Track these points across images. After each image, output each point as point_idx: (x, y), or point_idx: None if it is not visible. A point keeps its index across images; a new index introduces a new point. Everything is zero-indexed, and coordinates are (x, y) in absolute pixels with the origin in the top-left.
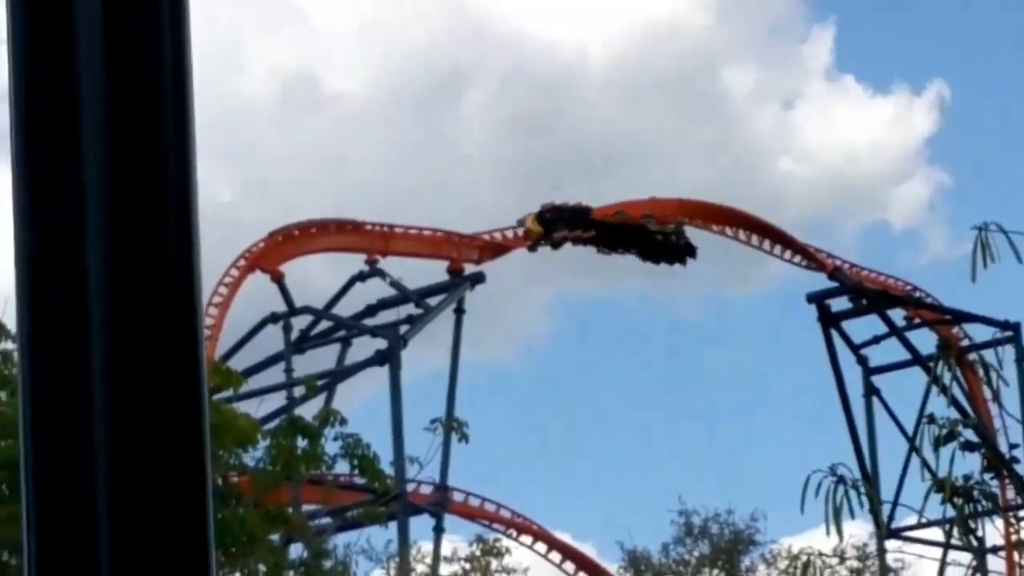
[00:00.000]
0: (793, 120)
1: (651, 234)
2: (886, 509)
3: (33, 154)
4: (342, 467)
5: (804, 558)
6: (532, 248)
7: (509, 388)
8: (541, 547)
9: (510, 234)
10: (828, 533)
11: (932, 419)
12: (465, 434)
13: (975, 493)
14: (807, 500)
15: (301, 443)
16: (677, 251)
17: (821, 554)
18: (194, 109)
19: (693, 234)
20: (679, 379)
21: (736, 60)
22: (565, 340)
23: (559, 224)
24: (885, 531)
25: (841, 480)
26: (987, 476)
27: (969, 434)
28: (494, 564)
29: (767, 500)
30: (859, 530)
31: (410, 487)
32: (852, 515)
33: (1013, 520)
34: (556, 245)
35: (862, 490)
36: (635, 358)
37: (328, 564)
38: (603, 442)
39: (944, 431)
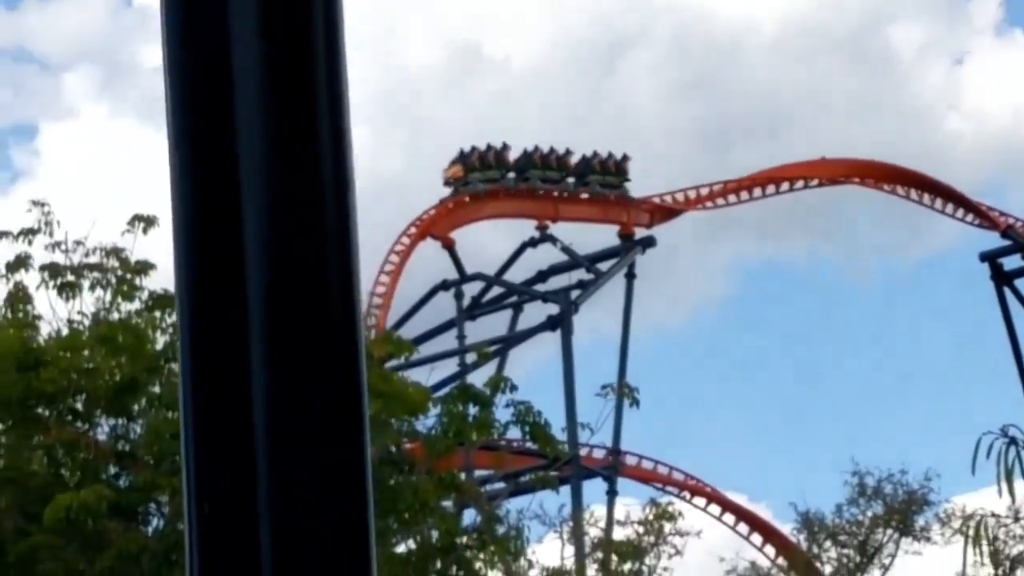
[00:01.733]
0: (962, 77)
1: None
2: None
3: (191, 139)
4: (514, 433)
5: (977, 519)
6: (454, 193)
7: (681, 352)
8: (715, 509)
9: (681, 197)
10: (1000, 494)
11: None
12: (636, 399)
13: None
14: (979, 461)
15: (472, 410)
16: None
17: (994, 515)
18: (348, 88)
19: (864, 194)
20: (853, 341)
21: (904, 18)
22: (737, 303)
23: (475, 167)
24: None
25: (1013, 441)
26: None
27: None
28: (668, 527)
29: (941, 460)
30: None
31: (583, 451)
32: None
33: None
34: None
35: None
36: (808, 321)
37: (501, 529)
38: (777, 404)
39: None
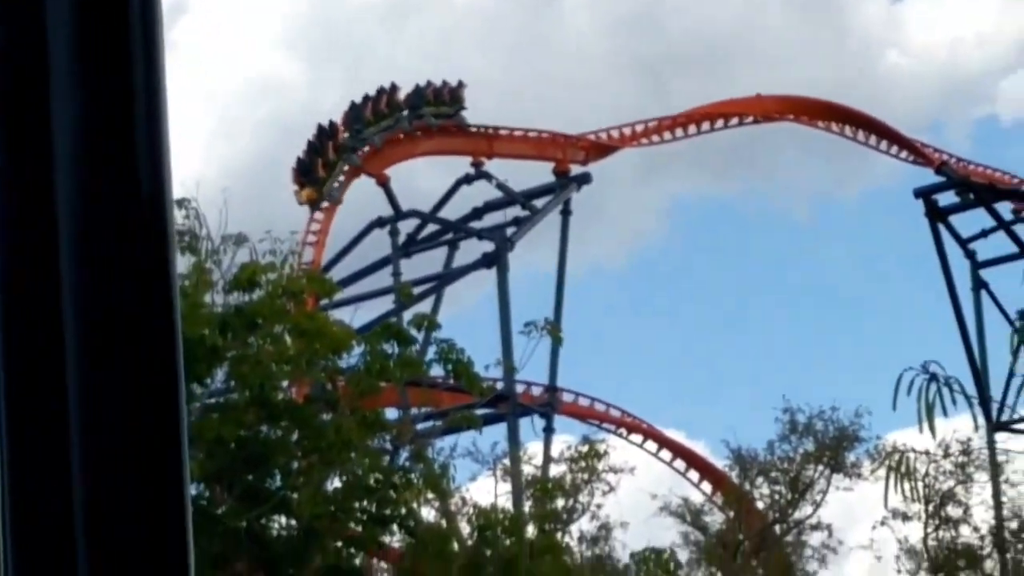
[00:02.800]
0: (900, 14)
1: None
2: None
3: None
4: (438, 371)
5: (900, 454)
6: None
7: (617, 289)
8: (651, 446)
9: (616, 134)
10: (921, 430)
11: (1023, 315)
12: (560, 338)
13: None
14: (901, 398)
15: (396, 349)
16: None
17: (925, 451)
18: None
19: (801, 131)
20: (787, 278)
21: None
22: (674, 240)
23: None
24: (994, 424)
25: (933, 378)
26: None
27: None
28: (600, 465)
29: (874, 397)
30: (964, 425)
31: (520, 389)
32: (945, 412)
33: None
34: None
35: (956, 387)
36: (743, 257)
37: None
38: (712, 342)
39: None
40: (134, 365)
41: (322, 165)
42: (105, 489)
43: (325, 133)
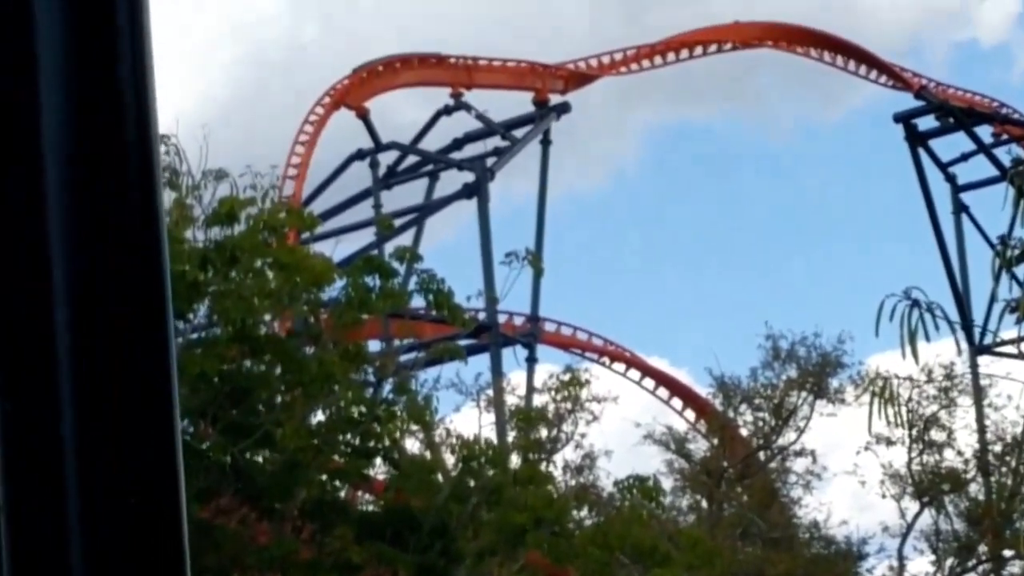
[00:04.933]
0: None
1: None
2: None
3: None
4: (419, 303)
5: (883, 379)
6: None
7: (598, 218)
8: (635, 374)
9: (595, 63)
10: (903, 356)
11: (1003, 240)
12: (540, 267)
13: None
14: (883, 323)
15: (379, 281)
16: None
17: (908, 377)
18: None
19: (780, 57)
20: (769, 204)
21: None
22: (654, 168)
23: None
24: (977, 348)
25: (915, 304)
26: None
27: None
28: (584, 394)
29: (857, 323)
30: (947, 349)
31: (502, 319)
32: (928, 337)
33: None
34: None
35: (938, 312)
36: (725, 184)
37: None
38: (694, 269)
39: (1017, 252)
40: (123, 305)
41: None
42: (97, 426)
43: None
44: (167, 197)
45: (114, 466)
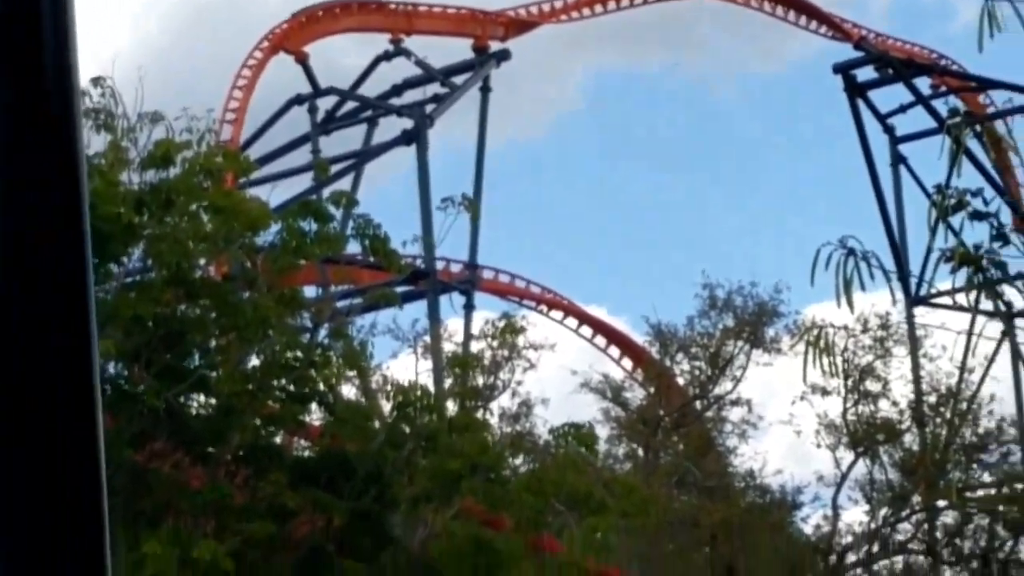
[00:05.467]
0: None
1: None
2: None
3: None
4: (355, 248)
5: (817, 331)
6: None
7: (537, 166)
8: (572, 322)
9: (535, 10)
10: (839, 305)
11: (940, 189)
12: (477, 212)
13: (984, 262)
14: (819, 273)
15: (315, 226)
16: None
17: (844, 326)
18: None
19: (721, 7)
20: (707, 154)
21: None
22: (593, 116)
23: None
24: (913, 299)
25: (851, 252)
26: (996, 245)
27: (978, 204)
28: (521, 341)
29: (794, 273)
30: (883, 300)
31: (440, 265)
32: (863, 287)
33: None
34: None
35: (874, 262)
36: (663, 133)
37: (344, 345)
38: (632, 218)
39: (953, 201)
40: (40, 247)
41: None
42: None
43: None
44: (103, 139)
45: (31, 414)
